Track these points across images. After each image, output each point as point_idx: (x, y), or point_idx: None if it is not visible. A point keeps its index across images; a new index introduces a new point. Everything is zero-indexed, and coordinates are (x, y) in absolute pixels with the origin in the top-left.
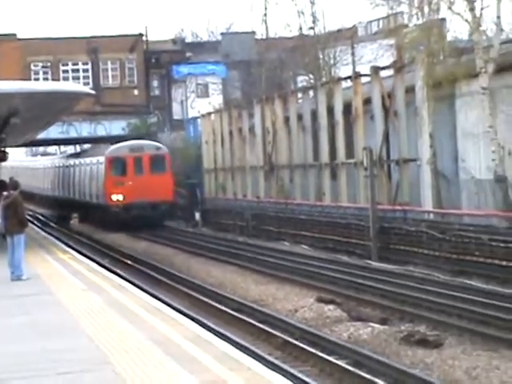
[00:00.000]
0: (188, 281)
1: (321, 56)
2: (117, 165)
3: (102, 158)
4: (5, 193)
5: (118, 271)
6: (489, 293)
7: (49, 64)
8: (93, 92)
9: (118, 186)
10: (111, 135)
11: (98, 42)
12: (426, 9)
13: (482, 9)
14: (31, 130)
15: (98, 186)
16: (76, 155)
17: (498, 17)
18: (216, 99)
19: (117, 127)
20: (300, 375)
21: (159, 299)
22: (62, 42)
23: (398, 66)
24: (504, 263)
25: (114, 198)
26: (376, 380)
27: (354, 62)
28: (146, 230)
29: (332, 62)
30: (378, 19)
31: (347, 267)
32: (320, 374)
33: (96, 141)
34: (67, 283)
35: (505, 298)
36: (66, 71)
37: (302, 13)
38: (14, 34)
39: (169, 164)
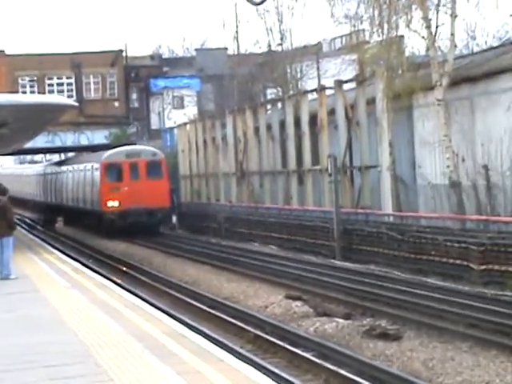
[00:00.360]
0: (165, 279)
1: (288, 70)
2: (113, 171)
3: (97, 164)
4: None
5: (100, 271)
6: (444, 289)
7: (35, 78)
8: (76, 104)
9: (114, 192)
10: (94, 144)
11: (81, 58)
12: (386, 26)
13: (437, 27)
14: (19, 140)
15: (92, 192)
16: (67, 162)
17: (452, 34)
18: (191, 110)
19: (99, 137)
20: (269, 366)
21: (139, 296)
22: (48, 58)
23: (360, 80)
24: (458, 262)
25: (110, 204)
26: (340, 371)
27: (319, 76)
28: (141, 236)
29: (299, 75)
30: (342, 36)
31: (313, 266)
32: (288, 366)
33: (79, 150)
34: (52, 282)
35: (459, 294)
36: (51, 85)
37: (271, 30)
38: (3, 51)
39: (165, 170)
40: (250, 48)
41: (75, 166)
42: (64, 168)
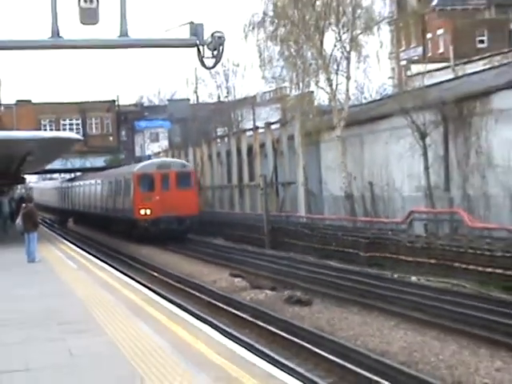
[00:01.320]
0: (147, 263)
1: (232, 115)
2: (145, 181)
3: (129, 175)
4: (23, 205)
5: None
6: (342, 269)
7: (53, 120)
8: (82, 138)
9: (146, 200)
10: (95, 167)
11: (86, 106)
12: (301, 85)
13: (336, 85)
14: (41, 164)
15: (125, 201)
16: (86, 176)
17: (347, 90)
18: (163, 143)
19: (99, 161)
20: (219, 324)
21: (129, 276)
22: (62, 106)
23: (283, 122)
24: (351, 250)
25: (142, 212)
26: (269, 327)
27: (254, 119)
28: (171, 242)
29: (240, 119)
30: (270, 91)
31: (249, 253)
32: (231, 323)
33: (85, 170)
34: (64, 264)
35: (352, 273)
36: (64, 125)
37: (220, 86)
38: (30, 100)
39: (194, 180)
40: (205, 99)
41: (102, 179)
42: (87, 181)
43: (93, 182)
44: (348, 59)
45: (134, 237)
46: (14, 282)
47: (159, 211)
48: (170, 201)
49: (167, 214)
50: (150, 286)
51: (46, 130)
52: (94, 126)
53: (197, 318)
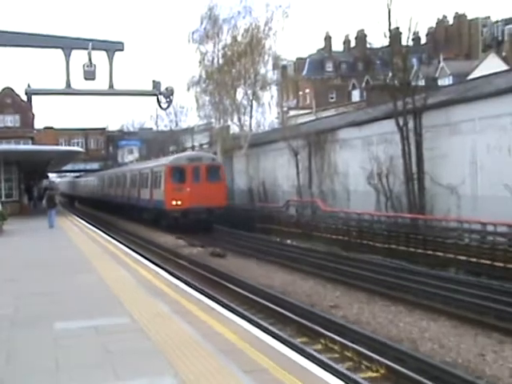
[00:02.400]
0: (129, 231)
1: (179, 139)
2: (176, 173)
3: (162, 168)
4: (47, 191)
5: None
6: (244, 235)
7: (67, 139)
8: (84, 151)
9: (177, 192)
10: (93, 169)
11: (88, 131)
12: (222, 121)
13: (243, 122)
14: (58, 166)
15: (155, 192)
16: (124, 167)
17: (250, 125)
18: (135, 155)
19: (95, 166)
20: (167, 267)
21: (111, 236)
22: (72, 131)
23: (210, 143)
24: (250, 222)
25: (174, 203)
26: (198, 270)
27: (192, 141)
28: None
29: (184, 141)
30: (203, 124)
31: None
32: (174, 267)
33: (87, 171)
34: (72, 230)
35: (250, 237)
36: (73, 143)
37: (171, 121)
38: (52, 127)
39: (223, 173)
40: (162, 128)
41: (136, 171)
42: (129, 172)
43: (114, 175)
44: (251, 106)
45: (164, 226)
46: (40, 239)
47: (189, 202)
48: (200, 192)
49: (197, 205)
50: (124, 242)
51: (62, 145)
52: (92, 143)
53: (154, 264)
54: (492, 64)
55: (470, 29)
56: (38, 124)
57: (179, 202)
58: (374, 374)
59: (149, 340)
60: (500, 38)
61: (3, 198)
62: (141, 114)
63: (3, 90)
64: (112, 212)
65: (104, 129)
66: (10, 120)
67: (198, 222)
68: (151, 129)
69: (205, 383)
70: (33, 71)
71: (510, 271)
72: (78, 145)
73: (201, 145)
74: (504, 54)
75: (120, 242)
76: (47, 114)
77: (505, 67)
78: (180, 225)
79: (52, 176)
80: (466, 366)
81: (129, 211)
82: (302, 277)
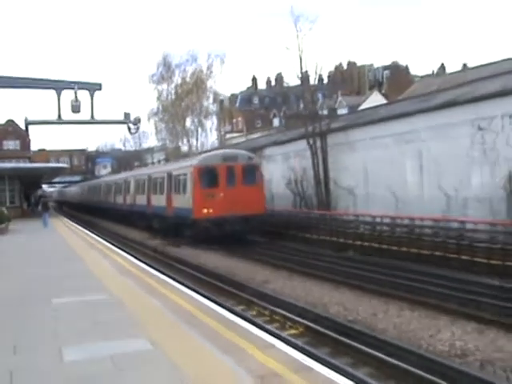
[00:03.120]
0: (105, 228)
1: (143, 156)
2: (207, 175)
3: (185, 170)
4: (42, 198)
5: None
6: None
7: (56, 159)
8: (69, 166)
9: (209, 198)
10: (75, 180)
11: (72, 152)
12: (174, 143)
13: (191, 143)
14: (49, 179)
15: (179, 199)
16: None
17: (196, 146)
18: (108, 170)
19: (77, 178)
20: (134, 254)
21: (94, 233)
22: (60, 152)
23: (166, 160)
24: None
25: (204, 211)
26: (159, 257)
27: (152, 159)
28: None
29: (147, 158)
30: (161, 145)
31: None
32: (141, 255)
33: (71, 183)
34: (63, 228)
35: None
36: (61, 161)
37: (136, 142)
38: (44, 149)
39: (260, 175)
40: (129, 148)
41: (151, 175)
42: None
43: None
44: (197, 131)
45: (191, 237)
46: (38, 236)
47: (223, 210)
48: (235, 198)
49: (232, 213)
50: (104, 237)
51: (52, 163)
52: (75, 161)
53: (125, 252)
54: (375, 99)
55: (359, 72)
56: (34, 146)
57: (211, 210)
58: (295, 331)
59: (123, 309)
60: (381, 80)
61: (8, 204)
62: (112, 137)
63: (6, 121)
64: (95, 214)
65: (84, 150)
66: (12, 144)
67: (233, 232)
68: (120, 149)
69: (170, 344)
70: (30, 105)
71: (392, 251)
72: (64, 162)
73: (158, 161)
74: (383, 91)
75: (100, 237)
76: (40, 138)
77: (384, 101)
78: (211, 236)
79: (44, 186)
80: (364, 322)
81: (128, 218)
82: (236, 260)
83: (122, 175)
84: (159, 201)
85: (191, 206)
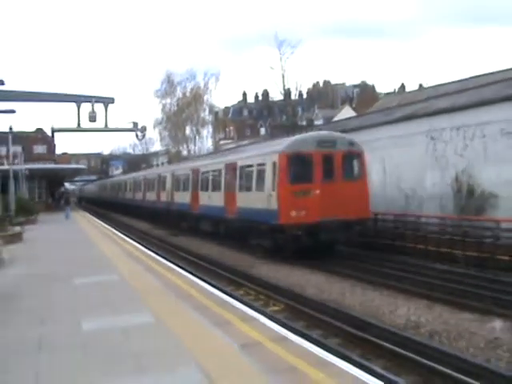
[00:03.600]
0: (123, 223)
1: (150, 160)
2: (297, 166)
3: (264, 158)
4: (65, 194)
5: (105, 222)
6: None
7: (76, 161)
8: (86, 168)
9: (300, 197)
10: (92, 179)
11: (89, 155)
12: (176, 148)
13: (190, 148)
14: (70, 178)
15: (245, 197)
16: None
17: (195, 151)
18: (120, 171)
19: (93, 177)
20: (141, 241)
21: (106, 223)
22: (80, 155)
23: (169, 162)
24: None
25: (294, 214)
26: (161, 244)
27: (157, 162)
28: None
29: (153, 161)
30: (164, 149)
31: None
32: (147, 243)
33: (87, 181)
34: (83, 220)
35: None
36: (80, 163)
37: (144, 147)
38: (67, 153)
39: (364, 165)
40: (138, 153)
41: (173, 172)
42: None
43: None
44: (195, 138)
45: (272, 249)
46: (61, 226)
47: (320, 213)
48: (334, 197)
49: (331, 217)
50: (115, 227)
51: (73, 164)
52: (92, 163)
53: (131, 238)
54: (347, 112)
55: (333, 90)
56: (58, 150)
57: (303, 213)
58: (277, 308)
59: (132, 289)
60: (351, 96)
61: (37, 199)
62: (124, 142)
63: (36, 129)
64: (116, 209)
65: (100, 153)
66: (40, 149)
67: (331, 242)
68: (130, 153)
69: (169, 318)
70: (55, 115)
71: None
72: (83, 164)
73: (162, 163)
74: (354, 106)
75: (111, 227)
76: (64, 143)
77: (354, 114)
78: (303, 247)
79: (66, 184)
80: (334, 300)
81: (164, 216)
82: (216, 245)
83: (153, 171)
84: (212, 199)
85: (275, 207)
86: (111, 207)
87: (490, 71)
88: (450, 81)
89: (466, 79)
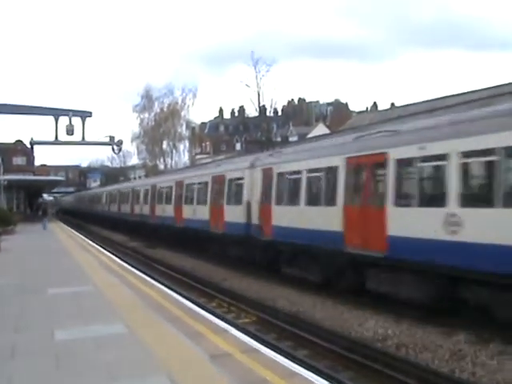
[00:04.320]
0: (94, 232)
1: (126, 173)
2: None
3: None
4: (42, 205)
5: (82, 233)
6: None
7: (54, 172)
8: (64, 179)
9: None
10: (69, 191)
11: (68, 167)
12: (153, 161)
13: (167, 162)
14: (49, 189)
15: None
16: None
17: (172, 165)
18: (97, 183)
19: (71, 189)
20: (117, 253)
21: (81, 234)
22: (58, 167)
23: (146, 176)
24: None
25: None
26: (137, 255)
27: (134, 175)
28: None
29: (130, 175)
30: (141, 163)
31: None
32: (122, 255)
33: (65, 193)
34: (59, 230)
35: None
36: (59, 175)
37: (121, 161)
38: (45, 164)
39: None
40: (116, 166)
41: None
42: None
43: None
44: (172, 152)
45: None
46: (38, 236)
47: None
48: None
49: None
50: (91, 238)
51: (51, 176)
52: (70, 175)
53: (107, 250)
54: (321, 129)
55: (308, 107)
56: (37, 162)
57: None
58: (248, 320)
59: (106, 300)
60: (325, 114)
61: (15, 210)
62: (101, 155)
63: (16, 141)
64: (92, 220)
65: (78, 165)
66: (19, 160)
67: None
68: (108, 166)
69: (141, 329)
70: (34, 127)
71: None
72: (61, 175)
73: (139, 176)
74: (327, 123)
75: (88, 238)
76: (43, 155)
77: (328, 131)
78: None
79: (45, 195)
80: (304, 312)
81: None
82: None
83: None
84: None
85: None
86: (88, 219)
87: (458, 92)
88: (420, 100)
89: (434, 99)
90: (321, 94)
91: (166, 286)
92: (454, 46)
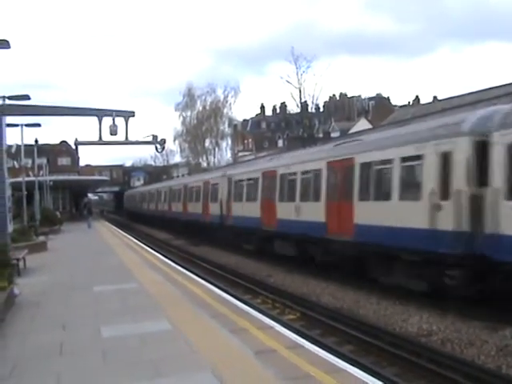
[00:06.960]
0: (136, 229)
1: (170, 171)
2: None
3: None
4: (87, 205)
5: (120, 229)
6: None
7: (99, 172)
8: (109, 179)
9: None
10: (114, 190)
11: (112, 167)
12: (196, 160)
13: (209, 160)
14: (93, 189)
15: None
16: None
17: (214, 162)
18: (141, 182)
19: (116, 188)
20: (161, 251)
21: (126, 232)
22: (102, 167)
23: (189, 174)
24: None
25: None
26: (182, 254)
27: (178, 173)
28: None
29: (173, 173)
30: (185, 161)
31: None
32: (167, 253)
33: (110, 192)
34: (103, 228)
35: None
36: (103, 174)
37: (164, 159)
38: (90, 164)
39: None
40: (159, 164)
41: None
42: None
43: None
44: (214, 150)
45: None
46: (83, 235)
47: None
48: None
49: None
50: (135, 236)
51: (96, 176)
52: (114, 174)
53: (153, 249)
54: (363, 124)
55: (349, 102)
56: (82, 162)
57: None
58: (293, 317)
59: (150, 297)
60: (367, 109)
61: (61, 209)
62: (145, 153)
63: (61, 142)
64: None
65: (122, 165)
66: (64, 161)
67: None
68: (151, 165)
69: (185, 325)
70: (79, 128)
71: None
72: (105, 175)
73: (182, 175)
74: (369, 118)
75: (132, 236)
76: (87, 155)
77: (370, 126)
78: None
79: (90, 194)
80: (348, 310)
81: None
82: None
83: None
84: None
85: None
86: (136, 218)
87: (503, 83)
88: (464, 93)
89: (478, 91)
90: (362, 88)
91: (210, 282)
92: (494, 38)
